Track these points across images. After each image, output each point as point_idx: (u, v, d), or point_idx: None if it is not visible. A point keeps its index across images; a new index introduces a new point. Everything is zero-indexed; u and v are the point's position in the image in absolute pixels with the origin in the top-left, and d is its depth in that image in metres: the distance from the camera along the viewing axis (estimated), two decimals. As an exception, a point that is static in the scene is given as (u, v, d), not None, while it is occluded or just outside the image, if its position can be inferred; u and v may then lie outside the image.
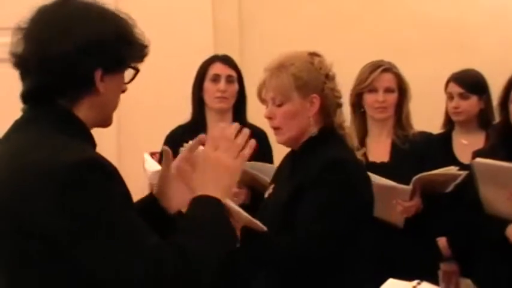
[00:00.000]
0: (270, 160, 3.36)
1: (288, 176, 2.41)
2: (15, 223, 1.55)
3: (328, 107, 2.36)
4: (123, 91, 1.75)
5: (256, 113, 3.54)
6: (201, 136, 1.88)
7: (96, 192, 1.52)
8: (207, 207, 1.68)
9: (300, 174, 2.31)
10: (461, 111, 3.61)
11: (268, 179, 2.90)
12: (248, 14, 4.32)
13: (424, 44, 4.34)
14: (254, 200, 3.11)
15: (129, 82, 1.74)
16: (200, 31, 4.17)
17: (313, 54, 2.39)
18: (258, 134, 3.43)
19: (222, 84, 3.40)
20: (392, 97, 3.31)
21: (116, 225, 1.52)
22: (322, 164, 2.26)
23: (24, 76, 1.68)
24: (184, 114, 3.49)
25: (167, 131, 3.47)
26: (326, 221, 2.20)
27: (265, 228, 2.20)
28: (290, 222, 2.24)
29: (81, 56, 1.62)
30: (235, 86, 3.43)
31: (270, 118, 2.39)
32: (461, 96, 3.61)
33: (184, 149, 1.96)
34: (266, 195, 2.49)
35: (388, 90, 3.29)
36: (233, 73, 3.44)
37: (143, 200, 1.91)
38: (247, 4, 4.34)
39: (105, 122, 1.75)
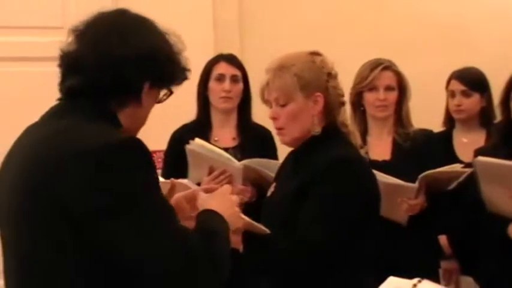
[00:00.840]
0: (275, 159, 3.35)
1: (291, 174, 2.40)
2: (49, 200, 1.58)
3: (332, 105, 2.36)
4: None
5: (261, 112, 3.54)
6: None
7: (132, 172, 1.57)
8: (213, 217, 1.75)
9: (304, 172, 2.30)
10: (464, 109, 3.61)
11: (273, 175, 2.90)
12: (248, 13, 4.32)
13: (424, 42, 4.34)
14: (260, 198, 3.12)
15: (159, 102, 1.81)
16: (200, 30, 4.16)
17: (314, 54, 2.39)
18: (263, 133, 3.44)
19: (226, 84, 3.38)
20: (393, 95, 3.31)
21: (147, 206, 1.57)
22: (327, 162, 2.25)
23: (71, 73, 1.73)
24: (184, 113, 3.49)
25: (169, 130, 3.47)
26: (330, 220, 2.19)
27: (267, 231, 2.20)
28: (293, 220, 2.23)
29: (139, 65, 1.69)
30: (240, 86, 3.42)
31: (274, 119, 2.38)
32: (464, 93, 3.60)
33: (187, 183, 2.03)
34: (268, 193, 2.49)
35: (388, 89, 3.29)
36: (238, 73, 3.42)
37: None
38: (247, 3, 4.33)
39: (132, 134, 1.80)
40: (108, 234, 1.55)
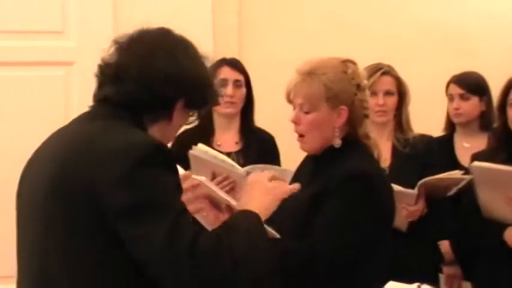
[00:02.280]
0: (277, 164, 3.35)
1: (308, 181, 2.36)
2: (82, 194, 1.63)
3: (355, 118, 2.32)
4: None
5: (264, 116, 3.55)
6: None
7: (161, 174, 1.64)
8: (247, 217, 1.79)
9: (321, 181, 2.27)
10: (462, 113, 3.60)
11: None
12: (248, 19, 4.32)
13: (424, 47, 4.35)
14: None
15: (189, 124, 1.89)
16: (200, 35, 4.13)
17: (347, 62, 2.35)
18: (265, 138, 3.44)
19: (229, 88, 3.37)
20: (392, 100, 3.31)
21: (170, 209, 1.62)
22: (344, 174, 2.23)
23: (109, 83, 1.78)
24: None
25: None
26: (344, 232, 2.18)
27: (278, 235, 2.19)
28: (308, 228, 2.22)
29: (179, 84, 1.76)
30: (243, 90, 3.42)
31: (295, 123, 2.35)
32: (462, 97, 3.59)
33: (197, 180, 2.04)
34: None
35: (387, 94, 3.30)
36: (241, 77, 3.42)
37: None
38: (246, 8, 4.33)
39: None
40: (134, 230, 1.60)
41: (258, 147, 3.37)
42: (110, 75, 1.78)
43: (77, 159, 1.66)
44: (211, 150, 3.14)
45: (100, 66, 1.82)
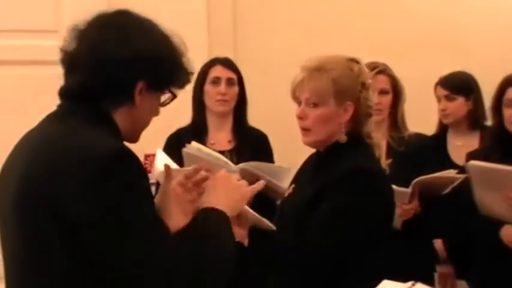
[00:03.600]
0: (271, 162, 3.36)
1: (310, 177, 2.39)
2: (45, 204, 1.58)
3: (360, 115, 2.34)
4: (156, 114, 1.80)
5: (257, 115, 3.55)
6: (199, 166, 1.95)
7: (126, 182, 1.57)
8: (213, 217, 1.73)
9: (324, 177, 2.29)
10: (449, 113, 3.64)
11: (271, 179, 2.89)
12: (242, 15, 4.33)
13: (419, 45, 4.36)
14: (257, 202, 3.12)
15: (164, 105, 1.79)
16: (195, 34, 4.16)
17: (353, 61, 2.36)
18: (258, 136, 3.45)
19: (222, 87, 3.39)
20: (387, 99, 3.31)
21: (139, 218, 1.57)
22: (345, 170, 2.24)
23: (69, 73, 1.73)
24: (177, 116, 3.48)
25: (164, 133, 3.47)
26: (341, 226, 2.18)
27: (273, 227, 2.21)
28: (308, 224, 2.22)
29: (134, 65, 1.68)
30: (236, 89, 3.43)
31: (300, 118, 2.35)
32: (447, 98, 3.63)
33: (183, 170, 1.98)
34: (286, 194, 2.48)
35: (382, 92, 3.30)
36: (233, 76, 3.44)
37: None
38: (241, 6, 4.34)
39: (132, 138, 1.79)
40: (99, 241, 1.55)
41: (251, 146, 3.38)
42: (69, 65, 1.73)
43: (39, 170, 1.61)
44: (205, 148, 3.15)
45: (61, 57, 1.75)
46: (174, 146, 3.28)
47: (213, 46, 4.13)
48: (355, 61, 2.37)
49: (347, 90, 2.31)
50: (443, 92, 3.65)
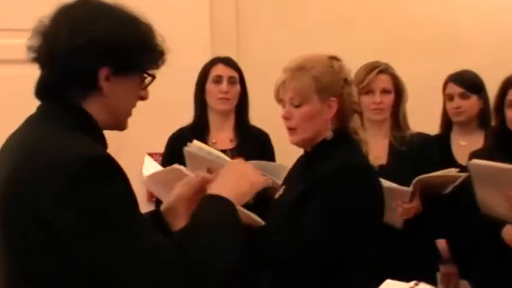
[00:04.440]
0: (272, 161, 3.36)
1: (299, 178, 2.41)
2: (24, 211, 1.56)
3: (345, 111, 2.36)
4: (142, 98, 1.76)
5: (258, 114, 3.55)
6: (205, 176, 1.90)
7: (103, 188, 1.54)
8: (216, 206, 1.69)
9: (313, 175, 2.30)
10: (463, 111, 3.60)
11: (273, 178, 2.90)
12: (246, 15, 4.33)
13: (419, 45, 4.36)
14: (258, 200, 3.12)
15: (143, 88, 1.74)
16: (198, 32, 4.17)
17: (333, 58, 2.39)
18: (260, 135, 3.46)
19: (224, 85, 3.40)
20: (389, 98, 3.31)
21: (119, 223, 1.54)
22: (336, 166, 2.25)
23: (40, 69, 1.70)
24: (181, 115, 3.49)
25: (166, 132, 3.47)
26: (332, 223, 2.19)
27: (262, 222, 2.23)
28: (298, 222, 2.23)
29: (87, 52, 1.63)
30: (238, 87, 3.44)
31: (286, 118, 2.38)
32: (462, 96, 3.59)
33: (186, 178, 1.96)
34: (276, 195, 2.49)
35: (384, 92, 3.30)
36: (235, 74, 3.44)
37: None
38: (244, 5, 4.34)
39: (117, 126, 1.76)
40: (79, 251, 1.53)
41: (253, 145, 3.39)
42: (36, 61, 1.69)
43: (19, 175, 1.58)
44: (206, 146, 3.16)
45: (29, 55, 1.70)
46: (176, 145, 3.29)
47: (216, 45, 4.13)
48: (336, 58, 2.39)
49: (329, 87, 2.33)
50: (457, 89, 3.61)
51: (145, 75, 1.73)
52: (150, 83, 1.75)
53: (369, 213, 2.26)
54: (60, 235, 1.53)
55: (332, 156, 2.30)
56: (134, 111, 3.54)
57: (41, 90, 1.70)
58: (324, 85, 2.33)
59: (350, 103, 2.37)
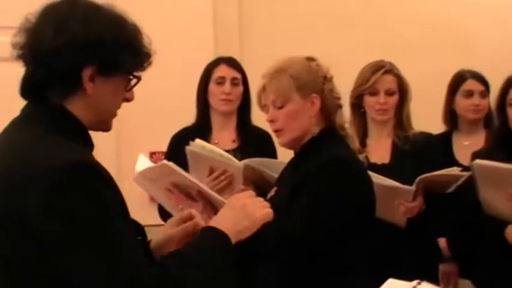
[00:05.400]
0: (274, 160, 3.36)
1: (289, 178, 2.43)
2: (7, 223, 1.54)
3: (329, 107, 2.40)
4: (127, 100, 1.74)
5: (261, 115, 3.55)
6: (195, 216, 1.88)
7: (86, 198, 1.51)
8: (210, 237, 1.69)
9: (301, 172, 2.33)
10: (481, 109, 3.60)
11: (275, 175, 2.90)
12: (248, 13, 4.33)
13: (423, 44, 4.36)
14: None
15: (128, 90, 1.72)
16: (200, 30, 4.17)
17: (310, 59, 2.44)
18: (262, 136, 3.45)
19: (227, 86, 3.38)
20: (393, 99, 3.30)
21: (100, 236, 1.51)
22: (321, 161, 2.28)
23: (25, 67, 1.69)
24: (184, 114, 3.49)
25: (169, 131, 3.47)
26: (318, 213, 2.21)
27: None
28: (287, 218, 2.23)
29: (71, 52, 1.61)
30: (240, 88, 3.43)
31: (271, 121, 2.41)
32: (482, 94, 3.60)
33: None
34: (268, 196, 2.49)
35: (389, 93, 3.29)
36: (238, 75, 3.43)
37: None
38: (247, 5, 4.34)
39: (102, 126, 1.73)
40: (61, 262, 1.51)
41: (255, 145, 3.38)
42: (21, 59, 1.68)
43: (3, 188, 1.56)
44: (208, 145, 3.16)
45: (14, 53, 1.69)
46: (179, 145, 3.29)
47: (219, 45, 4.13)
48: (312, 59, 2.44)
49: (308, 84, 2.37)
50: (480, 87, 3.60)
51: (131, 76, 1.71)
52: (135, 84, 1.73)
53: (355, 205, 2.28)
54: (44, 244, 1.51)
55: (319, 152, 2.33)
56: (137, 111, 3.57)
57: (25, 90, 1.68)
58: (303, 82, 2.36)
59: (332, 99, 2.41)
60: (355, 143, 2.48)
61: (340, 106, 2.44)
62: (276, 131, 2.43)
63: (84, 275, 1.51)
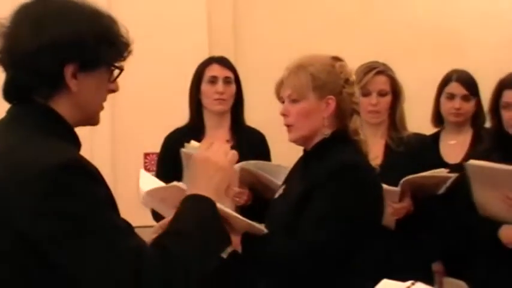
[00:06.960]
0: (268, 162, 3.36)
1: (299, 177, 2.40)
2: (4, 224, 1.54)
3: (344, 111, 2.35)
4: (113, 91, 1.74)
5: (254, 115, 3.55)
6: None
7: (78, 195, 1.52)
8: (195, 207, 1.69)
9: (311, 175, 2.30)
10: (463, 113, 3.58)
11: (271, 178, 2.89)
12: (243, 16, 4.34)
13: (416, 46, 4.37)
14: (256, 201, 3.12)
15: (112, 81, 1.72)
16: (195, 33, 4.18)
17: (336, 59, 2.39)
18: (256, 136, 3.45)
19: (219, 86, 3.38)
20: (386, 100, 3.30)
21: (96, 229, 1.52)
22: (333, 166, 2.25)
23: (5, 72, 1.68)
24: (179, 115, 3.49)
25: (162, 132, 3.47)
26: (331, 223, 2.19)
27: (265, 230, 2.21)
28: (296, 223, 2.23)
29: (50, 52, 1.61)
30: (233, 88, 3.42)
31: (284, 115, 2.38)
32: (465, 98, 3.57)
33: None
34: (276, 195, 2.49)
35: (381, 93, 3.29)
36: (230, 74, 3.43)
37: None
38: (241, 6, 4.35)
39: (90, 121, 1.74)
40: (60, 259, 1.52)
41: (248, 145, 3.37)
42: (1, 64, 1.68)
43: None
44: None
45: None
46: (172, 146, 3.28)
47: (214, 47, 4.13)
48: (338, 59, 2.39)
49: (327, 85, 2.33)
50: (462, 91, 3.57)
51: (113, 68, 1.71)
52: (118, 75, 1.73)
53: (367, 213, 2.26)
54: (39, 246, 1.51)
55: (331, 156, 2.29)
56: (132, 112, 3.61)
57: (9, 94, 1.68)
58: (321, 83, 2.32)
59: (350, 103, 2.36)
60: (367, 149, 2.42)
61: (356, 111, 2.39)
62: (287, 126, 2.39)
63: (84, 269, 1.51)
